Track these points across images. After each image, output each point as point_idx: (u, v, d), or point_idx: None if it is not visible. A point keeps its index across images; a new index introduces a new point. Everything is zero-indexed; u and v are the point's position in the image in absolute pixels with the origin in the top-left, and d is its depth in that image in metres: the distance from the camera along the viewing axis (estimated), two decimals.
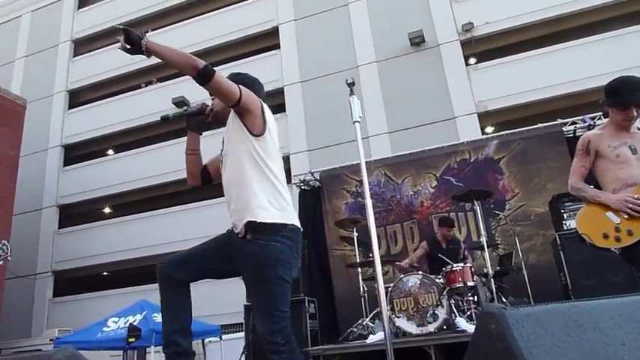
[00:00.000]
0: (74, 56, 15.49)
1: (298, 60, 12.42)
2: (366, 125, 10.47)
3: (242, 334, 5.81)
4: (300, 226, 2.12)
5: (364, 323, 4.86)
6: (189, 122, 2.29)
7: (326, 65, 11.97)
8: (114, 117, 13.78)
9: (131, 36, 1.85)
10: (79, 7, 16.08)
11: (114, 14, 15.00)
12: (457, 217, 6.41)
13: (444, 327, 4.20)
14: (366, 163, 7.16)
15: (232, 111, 2.09)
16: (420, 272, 4.57)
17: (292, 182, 7.45)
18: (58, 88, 15.02)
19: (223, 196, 2.15)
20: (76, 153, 14.48)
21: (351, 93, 2.68)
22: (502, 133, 6.72)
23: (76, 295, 12.89)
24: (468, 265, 4.45)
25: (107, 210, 14.47)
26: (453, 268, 4.36)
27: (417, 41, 11.32)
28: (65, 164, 14.36)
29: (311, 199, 7.39)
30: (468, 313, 4.28)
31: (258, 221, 1.96)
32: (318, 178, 7.38)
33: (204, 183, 2.35)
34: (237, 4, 13.82)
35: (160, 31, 14.34)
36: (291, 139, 11.79)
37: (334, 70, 11.84)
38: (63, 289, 13.33)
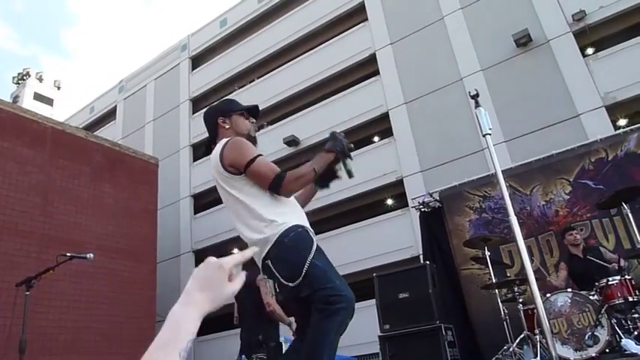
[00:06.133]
0: (193, 113, 16.98)
1: (400, 82, 12.34)
2: (479, 137, 9.98)
3: None
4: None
5: (511, 349, 4.47)
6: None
7: (429, 83, 11.76)
8: None
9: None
10: (193, 68, 17.70)
11: (223, 69, 16.30)
12: (602, 223, 5.74)
13: (607, 350, 3.71)
14: (488, 176, 6.81)
15: None
16: (570, 289, 4.12)
17: (410, 206, 7.28)
18: (182, 144, 16.54)
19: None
20: (204, 200, 15.66)
21: (477, 105, 2.54)
22: None
23: (219, 334, 13.70)
24: (627, 277, 3.92)
25: (236, 250, 15.33)
26: (609, 282, 3.86)
27: (524, 41, 10.66)
28: (195, 212, 15.59)
29: (432, 221, 7.16)
30: (636, 333, 3.73)
31: None
32: (438, 198, 7.14)
33: None
34: (333, 40, 14.22)
35: (264, 77, 15.24)
36: (403, 161, 11.63)
37: (438, 86, 11.59)
38: (205, 329, 14.25)
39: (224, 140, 2.23)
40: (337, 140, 2.13)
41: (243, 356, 3.97)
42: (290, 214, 2.11)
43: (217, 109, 2.42)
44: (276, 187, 2.05)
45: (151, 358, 0.67)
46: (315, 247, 1.99)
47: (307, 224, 2.16)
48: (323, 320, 1.86)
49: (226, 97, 2.20)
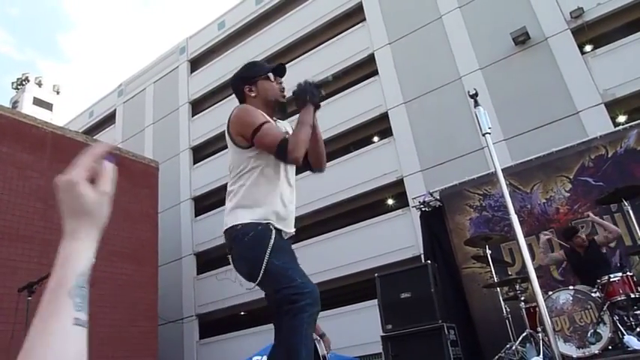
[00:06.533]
0: (192, 116, 17.00)
1: (399, 82, 12.35)
2: (479, 136, 9.99)
3: None
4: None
5: (513, 348, 4.47)
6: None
7: (427, 82, 11.76)
8: None
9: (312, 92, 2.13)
10: (192, 71, 17.71)
11: (222, 72, 16.28)
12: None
13: (610, 347, 3.71)
14: (488, 174, 6.81)
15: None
16: (571, 287, 4.11)
17: (411, 205, 7.28)
18: (182, 147, 16.55)
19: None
20: (205, 203, 15.67)
21: (476, 104, 2.54)
22: None
23: (221, 336, 13.70)
24: (628, 274, 3.92)
25: None
26: (611, 279, 3.86)
27: (522, 39, 10.66)
28: (196, 215, 15.59)
29: (433, 220, 7.16)
30: (638, 329, 3.73)
31: None
32: (438, 197, 7.14)
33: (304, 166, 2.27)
34: (331, 40, 14.22)
35: None
36: (403, 161, 11.63)
37: (437, 85, 11.59)
38: (208, 331, 14.25)
39: (231, 114, 2.21)
40: (303, 88, 2.13)
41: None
42: (270, 206, 2.09)
43: (241, 76, 2.35)
44: (282, 156, 2.05)
45: (46, 302, 0.61)
46: (271, 245, 1.98)
47: (285, 219, 2.14)
48: (291, 320, 1.89)
49: (249, 61, 2.17)
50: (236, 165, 2.18)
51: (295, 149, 2.01)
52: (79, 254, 0.66)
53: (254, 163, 2.13)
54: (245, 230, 2.03)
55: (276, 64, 2.36)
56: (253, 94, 2.26)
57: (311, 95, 2.11)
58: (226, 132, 2.21)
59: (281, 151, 2.02)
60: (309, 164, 2.26)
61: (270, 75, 2.30)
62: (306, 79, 2.19)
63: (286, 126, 2.35)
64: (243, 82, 2.30)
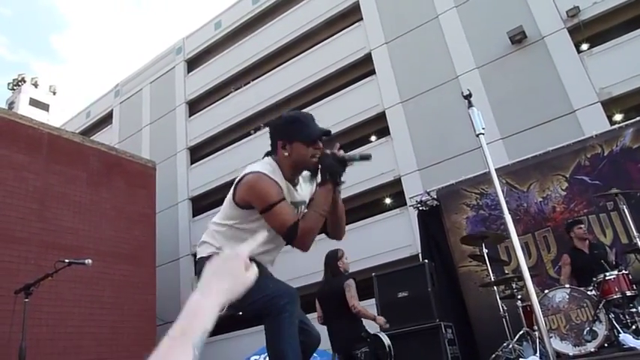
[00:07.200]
0: (189, 116, 16.98)
1: (396, 81, 12.37)
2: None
3: None
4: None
5: (510, 346, 4.49)
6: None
7: (424, 81, 11.78)
8: (230, 165, 14.74)
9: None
10: (189, 71, 17.69)
11: (218, 72, 16.29)
12: (599, 218, 5.77)
13: (606, 344, 3.73)
14: (485, 174, 6.83)
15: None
16: (567, 285, 4.13)
17: (408, 204, 7.30)
18: (179, 147, 16.53)
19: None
20: (203, 203, 15.65)
21: (470, 105, 2.56)
22: (638, 119, 6.00)
23: (219, 336, 13.69)
24: (624, 272, 3.94)
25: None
26: (607, 278, 3.88)
27: (518, 38, 10.69)
28: (194, 215, 15.58)
29: (430, 219, 7.18)
30: (634, 327, 3.75)
31: None
32: (435, 196, 7.15)
33: None
34: (328, 40, 14.23)
35: (261, 79, 15.24)
36: (400, 160, 11.65)
37: (434, 84, 11.61)
38: (211, 330, 14.22)
39: (245, 176, 2.10)
40: (326, 165, 2.00)
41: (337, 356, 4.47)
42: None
43: (281, 130, 2.16)
44: (289, 241, 2.01)
45: (167, 346, 0.65)
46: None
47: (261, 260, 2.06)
48: (272, 323, 1.93)
49: (297, 114, 1.98)
50: (229, 216, 2.13)
51: (304, 239, 1.96)
52: (209, 311, 0.73)
53: (250, 224, 2.07)
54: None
55: (324, 131, 2.11)
56: (286, 154, 2.08)
57: (333, 173, 1.99)
58: (232, 189, 2.12)
59: (289, 236, 1.97)
60: (326, 231, 2.20)
61: (311, 141, 2.07)
62: (332, 152, 2.02)
63: (306, 194, 2.22)
64: (280, 134, 2.14)
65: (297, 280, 10.41)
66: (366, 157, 2.05)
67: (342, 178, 2.04)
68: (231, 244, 1.99)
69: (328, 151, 2.03)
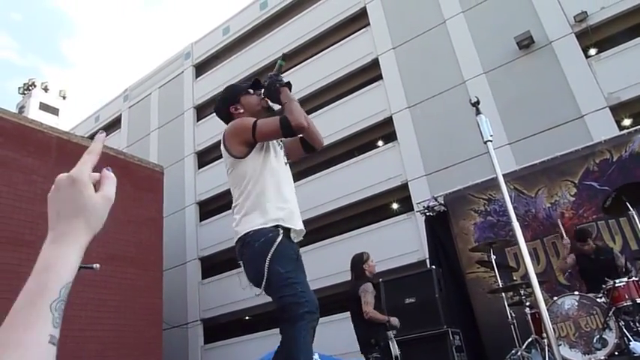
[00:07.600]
0: (197, 120, 17.06)
1: (403, 86, 12.36)
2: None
3: None
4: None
5: (519, 353, 4.44)
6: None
7: (431, 86, 11.77)
8: None
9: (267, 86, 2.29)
10: (197, 76, 17.79)
11: (226, 77, 16.35)
12: (608, 225, 5.71)
13: (616, 353, 3.69)
14: (493, 179, 6.79)
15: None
16: (577, 292, 4.09)
17: (415, 210, 7.27)
18: (187, 152, 16.60)
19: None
20: (210, 207, 15.70)
21: (478, 112, 2.55)
22: None
23: (225, 341, 13.68)
24: (634, 279, 3.89)
25: None
26: (617, 285, 3.83)
27: (526, 43, 10.66)
28: (201, 219, 15.62)
29: (437, 225, 7.14)
30: None
31: None
32: (443, 202, 7.12)
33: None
34: (336, 45, 14.27)
35: None
36: (407, 165, 11.63)
37: (441, 89, 11.60)
38: (212, 335, 14.24)
39: (222, 136, 2.30)
40: (269, 85, 2.28)
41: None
42: (278, 210, 2.15)
43: (224, 99, 2.44)
44: (288, 131, 2.15)
45: (12, 322, 0.51)
46: (272, 253, 2.02)
47: (293, 215, 2.21)
48: (290, 328, 1.95)
49: (227, 85, 2.30)
50: (238, 180, 2.23)
51: (296, 118, 2.14)
52: (65, 262, 0.57)
53: (252, 170, 2.20)
54: (256, 237, 2.08)
55: (253, 80, 2.46)
56: (241, 111, 2.35)
57: (278, 81, 2.26)
58: (224, 150, 2.28)
59: (285, 126, 2.12)
60: (308, 146, 2.40)
61: (250, 90, 2.41)
62: (266, 75, 2.34)
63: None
64: (227, 104, 2.39)
65: (325, 279, 10.41)
66: (282, 57, 2.37)
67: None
68: (260, 202, 2.14)
69: (263, 80, 2.34)
